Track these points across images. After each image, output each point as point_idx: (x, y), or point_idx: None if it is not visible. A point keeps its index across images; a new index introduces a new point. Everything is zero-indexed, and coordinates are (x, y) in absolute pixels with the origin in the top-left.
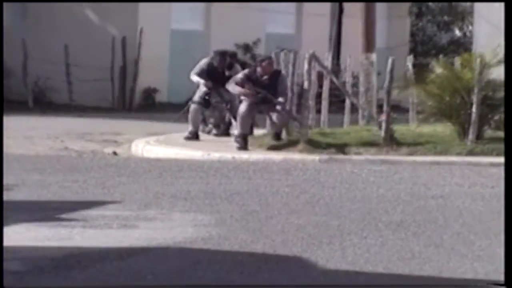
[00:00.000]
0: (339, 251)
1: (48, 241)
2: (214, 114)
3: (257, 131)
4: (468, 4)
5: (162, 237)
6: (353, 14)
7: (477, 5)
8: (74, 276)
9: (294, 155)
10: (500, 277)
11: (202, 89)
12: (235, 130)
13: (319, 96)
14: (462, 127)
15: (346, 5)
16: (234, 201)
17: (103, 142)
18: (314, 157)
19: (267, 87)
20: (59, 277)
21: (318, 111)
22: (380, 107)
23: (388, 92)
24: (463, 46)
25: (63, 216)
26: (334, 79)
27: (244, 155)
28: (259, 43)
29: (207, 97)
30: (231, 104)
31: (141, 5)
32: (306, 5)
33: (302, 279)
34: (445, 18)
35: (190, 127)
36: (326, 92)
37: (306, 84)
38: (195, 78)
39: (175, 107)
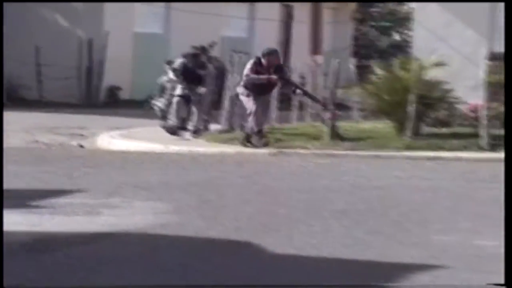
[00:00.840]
0: (287, 238)
1: (19, 226)
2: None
3: (212, 126)
4: (407, 10)
5: (124, 224)
6: (302, 19)
7: (415, 11)
8: (43, 259)
9: (246, 149)
10: (433, 261)
11: (179, 86)
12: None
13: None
14: (401, 124)
15: (295, 10)
16: (191, 191)
17: (71, 136)
18: (265, 150)
19: None
20: (30, 260)
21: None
22: (325, 105)
23: (333, 92)
24: (402, 49)
25: (34, 203)
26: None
27: (200, 148)
28: (214, 45)
29: (187, 92)
30: (201, 101)
31: (107, 9)
32: (258, 10)
33: (252, 263)
34: (386, 23)
35: (172, 121)
36: (276, 91)
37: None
38: (170, 74)
39: (137, 104)
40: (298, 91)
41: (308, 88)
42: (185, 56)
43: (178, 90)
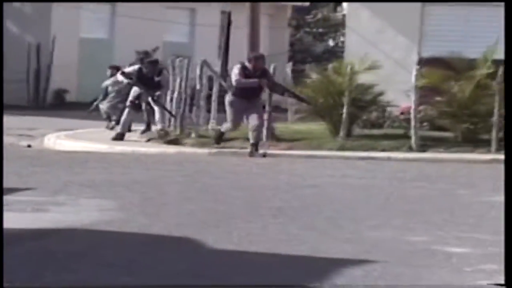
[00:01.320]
0: (226, 234)
1: None
2: (116, 112)
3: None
4: (340, 17)
5: (71, 220)
6: (240, 25)
7: (348, 18)
8: None
9: (186, 149)
10: (366, 256)
11: (134, 92)
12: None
13: (209, 97)
14: (334, 126)
15: (233, 17)
16: (134, 189)
17: (19, 136)
18: (204, 150)
19: None
20: None
21: (208, 110)
22: (263, 107)
23: (270, 94)
24: (336, 54)
25: None
26: (223, 83)
27: (142, 149)
28: (157, 50)
29: (137, 101)
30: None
31: (54, 15)
32: (199, 16)
33: (193, 258)
34: (320, 30)
35: (119, 129)
36: (216, 94)
37: (198, 87)
38: (120, 77)
39: (83, 106)
40: (286, 93)
41: None
42: (143, 63)
43: (130, 98)
